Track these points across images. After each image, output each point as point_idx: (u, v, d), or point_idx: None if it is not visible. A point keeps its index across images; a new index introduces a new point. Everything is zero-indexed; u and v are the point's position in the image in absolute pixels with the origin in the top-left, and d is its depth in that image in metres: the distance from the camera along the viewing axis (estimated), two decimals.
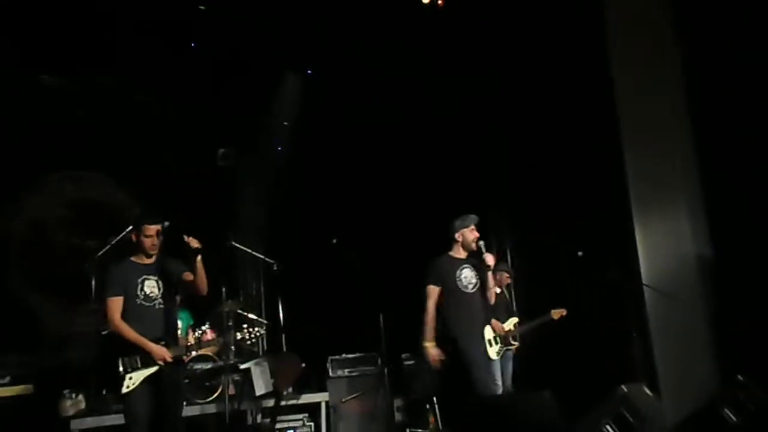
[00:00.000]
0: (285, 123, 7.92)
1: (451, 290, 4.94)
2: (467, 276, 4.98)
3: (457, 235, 5.04)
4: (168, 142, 7.52)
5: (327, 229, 5.81)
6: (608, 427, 4.09)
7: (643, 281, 5.70)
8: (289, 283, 6.81)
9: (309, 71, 7.29)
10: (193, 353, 5.67)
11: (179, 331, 4.84)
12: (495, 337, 5.68)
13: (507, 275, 6.58)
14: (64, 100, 6.98)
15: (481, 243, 4.96)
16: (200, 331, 6.17)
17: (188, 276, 4.36)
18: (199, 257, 4.28)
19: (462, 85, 6.98)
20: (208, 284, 4.42)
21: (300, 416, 6.55)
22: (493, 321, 5.68)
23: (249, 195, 7.81)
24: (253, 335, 4.86)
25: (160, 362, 4.18)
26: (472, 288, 4.98)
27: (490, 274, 5.01)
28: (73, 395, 5.75)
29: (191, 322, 6.35)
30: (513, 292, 6.91)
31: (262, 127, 7.86)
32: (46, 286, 7.02)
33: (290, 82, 7.39)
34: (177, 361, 4.30)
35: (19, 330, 6.46)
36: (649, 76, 5.97)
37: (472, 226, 5.03)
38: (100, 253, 6.09)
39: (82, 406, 5.77)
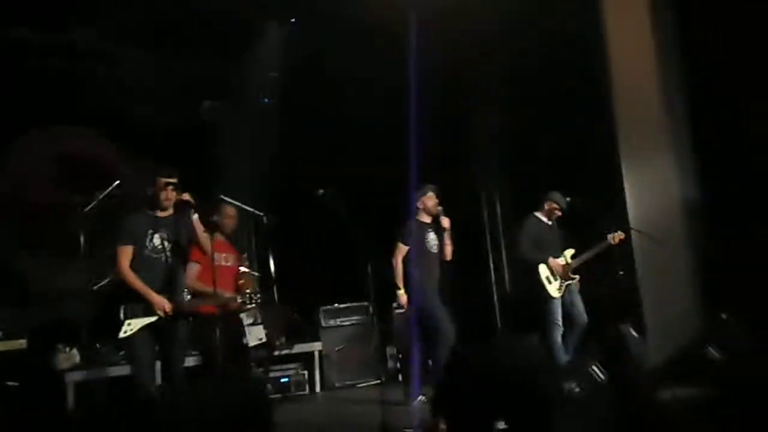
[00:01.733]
0: (271, 74, 7.81)
1: (420, 251, 5.59)
2: (431, 239, 5.67)
3: (418, 203, 5.72)
4: (152, 95, 7.41)
5: (313, 180, 5.78)
6: (594, 368, 4.17)
7: (631, 225, 5.75)
8: (279, 235, 6.81)
9: (292, 20, 7.13)
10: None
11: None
12: (551, 275, 5.91)
13: (556, 206, 6.05)
14: (46, 55, 6.80)
15: (440, 208, 5.64)
16: None
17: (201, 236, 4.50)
18: (195, 215, 4.39)
19: (450, 34, 6.84)
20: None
21: (293, 365, 6.67)
22: (550, 259, 5.92)
23: (236, 149, 7.73)
24: (255, 295, 4.87)
25: (160, 312, 4.24)
26: (436, 249, 5.67)
27: (446, 234, 5.67)
28: (67, 349, 5.82)
29: None
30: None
31: (246, 78, 7.73)
32: (33, 244, 6.99)
33: (273, 32, 7.24)
34: (177, 314, 4.33)
35: (10, 286, 6.47)
36: (637, 19, 5.92)
37: (430, 194, 5.70)
38: (86, 209, 6.05)
39: (77, 359, 5.85)
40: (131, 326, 4.19)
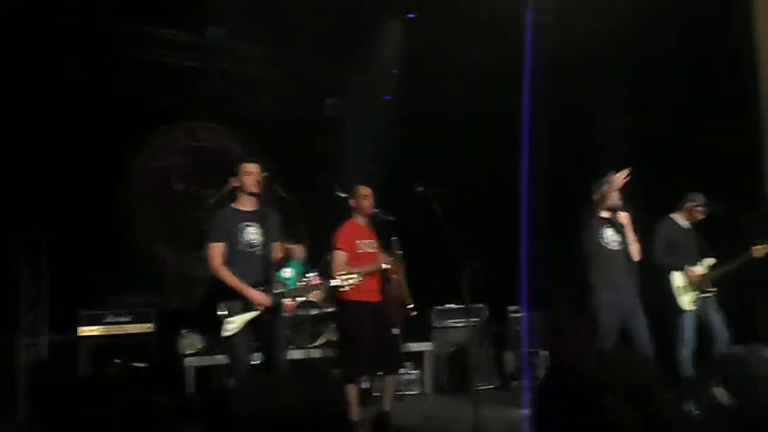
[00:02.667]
0: (393, 71, 7.83)
1: (597, 248, 4.99)
2: (609, 235, 5.00)
3: (597, 195, 5.01)
4: (278, 92, 7.67)
5: (426, 178, 5.68)
6: (718, 390, 3.70)
7: None
8: (392, 232, 6.76)
9: (411, 15, 7.06)
10: (298, 299, 5.85)
11: (290, 280, 5.00)
12: (686, 284, 5.31)
13: (697, 207, 5.45)
14: (177, 52, 7.25)
15: (620, 202, 4.98)
16: (306, 279, 6.29)
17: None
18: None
19: (576, 24, 6.42)
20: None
21: (405, 364, 6.60)
22: (686, 267, 5.32)
23: (356, 144, 7.81)
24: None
25: (260, 307, 4.24)
26: (616, 246, 4.98)
27: (628, 230, 5.00)
28: (190, 335, 6.13)
29: (301, 269, 6.50)
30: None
31: (368, 75, 7.78)
32: (169, 233, 7.44)
33: (391, 28, 7.22)
34: (276, 306, 4.34)
35: (139, 273, 6.96)
36: None
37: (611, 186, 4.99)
38: (211, 201, 6.34)
39: (199, 345, 6.14)
40: (235, 324, 4.21)
